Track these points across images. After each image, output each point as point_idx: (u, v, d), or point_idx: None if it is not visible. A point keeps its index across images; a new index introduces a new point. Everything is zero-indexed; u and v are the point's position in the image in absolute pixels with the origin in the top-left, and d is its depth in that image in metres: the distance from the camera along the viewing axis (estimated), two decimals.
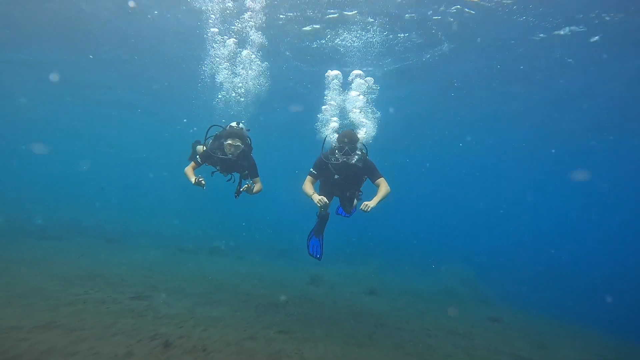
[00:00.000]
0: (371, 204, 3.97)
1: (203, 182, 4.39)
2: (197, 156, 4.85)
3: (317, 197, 4.16)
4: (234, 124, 4.81)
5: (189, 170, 4.69)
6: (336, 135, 4.69)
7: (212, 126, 5.02)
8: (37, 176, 30.47)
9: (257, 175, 4.95)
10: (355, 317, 6.43)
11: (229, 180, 5.10)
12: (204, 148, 5.07)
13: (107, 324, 4.35)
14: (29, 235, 10.78)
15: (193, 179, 4.42)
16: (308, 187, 4.38)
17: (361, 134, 5.14)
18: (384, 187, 4.27)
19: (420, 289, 10.84)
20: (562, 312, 10.07)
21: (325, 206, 4.19)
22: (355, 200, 5.04)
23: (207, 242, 13.89)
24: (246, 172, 4.91)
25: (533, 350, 6.07)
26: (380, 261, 13.85)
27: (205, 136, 5.10)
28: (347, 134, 4.32)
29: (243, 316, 5.44)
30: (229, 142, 4.52)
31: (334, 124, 5.76)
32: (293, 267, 11.32)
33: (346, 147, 4.24)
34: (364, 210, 3.92)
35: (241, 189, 4.68)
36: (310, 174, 4.55)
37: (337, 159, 4.33)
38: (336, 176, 4.45)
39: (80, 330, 4.02)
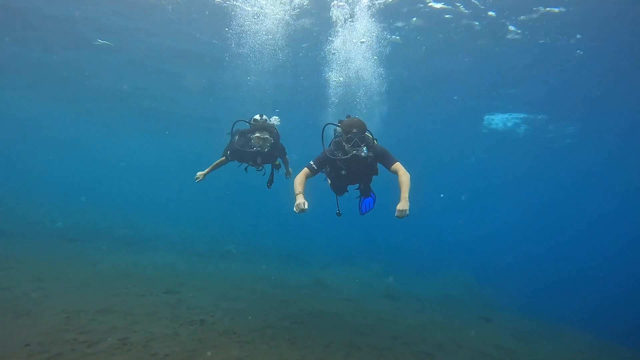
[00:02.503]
0: (405, 206, 3.39)
1: (200, 178, 5.01)
2: (228, 152, 4.89)
3: (300, 200, 3.46)
4: (257, 116, 4.93)
5: (214, 164, 5.00)
6: (337, 127, 4.19)
7: (237, 121, 5.03)
8: (49, 181, 31.53)
9: (286, 154, 5.09)
10: (359, 314, 7.21)
11: (261, 171, 5.18)
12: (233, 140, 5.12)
13: (151, 311, 5.19)
14: (53, 238, 11.61)
15: (203, 173, 5.00)
16: (299, 180, 3.70)
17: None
18: (404, 176, 3.65)
19: (420, 291, 11.56)
20: (552, 314, 10.75)
21: (302, 212, 3.44)
22: (365, 196, 4.70)
23: (218, 247, 14.69)
24: (278, 160, 5.03)
25: (517, 343, 6.82)
26: (383, 265, 14.56)
27: (231, 131, 5.07)
28: (355, 123, 3.74)
29: (262, 310, 6.25)
30: (257, 135, 4.54)
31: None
32: (300, 271, 12.05)
33: (355, 138, 3.68)
34: (400, 217, 3.40)
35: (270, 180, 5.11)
36: (309, 167, 3.86)
37: (345, 153, 3.79)
38: (343, 172, 3.98)
39: (132, 315, 4.86)
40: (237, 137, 4.90)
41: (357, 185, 4.46)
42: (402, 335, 6.12)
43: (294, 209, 3.43)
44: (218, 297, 6.63)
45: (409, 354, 5.25)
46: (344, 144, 3.78)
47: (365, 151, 3.72)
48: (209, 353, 4.03)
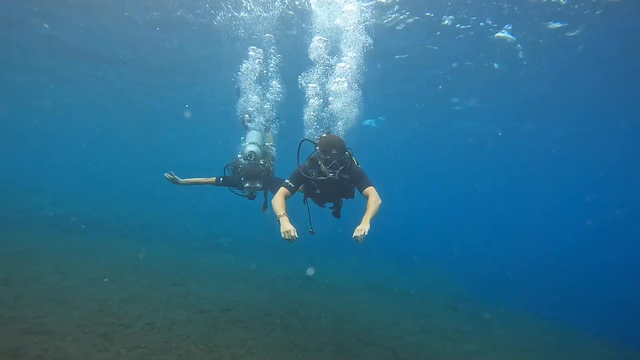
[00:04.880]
0: (364, 227, 3.16)
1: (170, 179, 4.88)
2: (221, 179, 5.10)
3: (287, 227, 3.17)
4: (252, 147, 4.91)
5: (199, 180, 5.05)
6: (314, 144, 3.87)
7: (227, 165, 5.19)
8: (37, 169, 31.15)
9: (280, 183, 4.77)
10: (341, 304, 8.28)
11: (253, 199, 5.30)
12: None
13: (166, 301, 6.06)
14: (47, 228, 12.07)
15: (178, 179, 4.89)
16: (279, 202, 3.49)
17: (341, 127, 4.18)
18: (373, 202, 3.48)
19: (396, 283, 12.78)
20: (511, 303, 12.18)
21: (291, 239, 3.14)
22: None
23: (210, 240, 15.48)
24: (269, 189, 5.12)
25: (475, 327, 8.08)
26: (363, 260, 15.74)
27: (223, 171, 5.20)
28: (334, 142, 3.53)
29: (259, 301, 7.20)
30: (248, 185, 4.75)
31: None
32: (288, 264, 13.00)
33: (334, 160, 3.47)
34: (359, 240, 3.12)
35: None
36: (286, 185, 3.68)
37: (321, 174, 3.54)
38: (318, 191, 3.79)
39: (151, 304, 5.72)
40: (229, 169, 5.04)
41: (332, 204, 4.31)
42: (377, 321, 7.22)
43: (282, 236, 3.13)
44: (220, 289, 7.54)
45: (382, 337, 6.35)
46: (320, 163, 3.56)
47: (341, 174, 3.52)
48: (221, 335, 4.97)
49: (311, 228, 4.06)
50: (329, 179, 3.50)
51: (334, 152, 3.48)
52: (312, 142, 3.88)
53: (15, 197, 16.07)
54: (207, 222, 21.02)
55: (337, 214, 4.31)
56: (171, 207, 23.59)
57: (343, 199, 4.29)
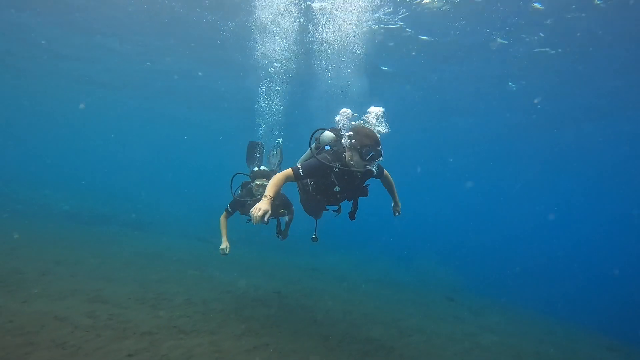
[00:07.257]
0: (398, 207, 4.16)
1: (227, 251, 4.97)
2: (228, 205, 5.09)
3: (263, 204, 2.83)
4: (255, 169, 5.18)
5: (222, 222, 5.09)
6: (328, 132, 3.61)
7: (236, 174, 5.13)
8: (42, 165, 31.74)
9: (291, 205, 5.08)
10: (349, 290, 9.00)
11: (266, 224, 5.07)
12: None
13: (195, 282, 6.77)
14: (67, 221, 12.73)
15: (223, 242, 4.95)
16: (275, 182, 3.04)
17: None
18: (391, 180, 4.01)
19: (396, 277, 13.52)
20: (505, 296, 12.93)
21: (255, 220, 2.78)
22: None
23: (217, 232, 16.08)
24: (282, 210, 4.96)
25: (470, 315, 8.81)
26: (365, 255, 16.49)
27: (230, 186, 5.13)
28: (374, 135, 3.17)
29: (274, 286, 7.91)
30: (257, 183, 4.79)
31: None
32: (295, 257, 13.73)
33: (373, 152, 3.10)
34: (398, 214, 4.12)
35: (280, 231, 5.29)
36: (294, 170, 3.17)
37: (355, 165, 3.15)
38: (337, 188, 3.37)
39: (183, 285, 6.43)
40: (239, 190, 5.15)
41: (336, 207, 3.93)
42: (383, 306, 7.95)
43: (251, 212, 2.77)
44: (237, 275, 8.25)
45: (388, 318, 7.07)
46: (355, 155, 3.13)
47: (375, 166, 3.28)
48: (248, 310, 5.68)
49: (315, 235, 3.91)
50: (367, 171, 3.24)
51: (377, 145, 3.15)
52: (337, 132, 3.50)
53: (30, 192, 16.74)
54: (211, 215, 21.60)
55: (353, 215, 3.78)
56: (174, 202, 24.23)
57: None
